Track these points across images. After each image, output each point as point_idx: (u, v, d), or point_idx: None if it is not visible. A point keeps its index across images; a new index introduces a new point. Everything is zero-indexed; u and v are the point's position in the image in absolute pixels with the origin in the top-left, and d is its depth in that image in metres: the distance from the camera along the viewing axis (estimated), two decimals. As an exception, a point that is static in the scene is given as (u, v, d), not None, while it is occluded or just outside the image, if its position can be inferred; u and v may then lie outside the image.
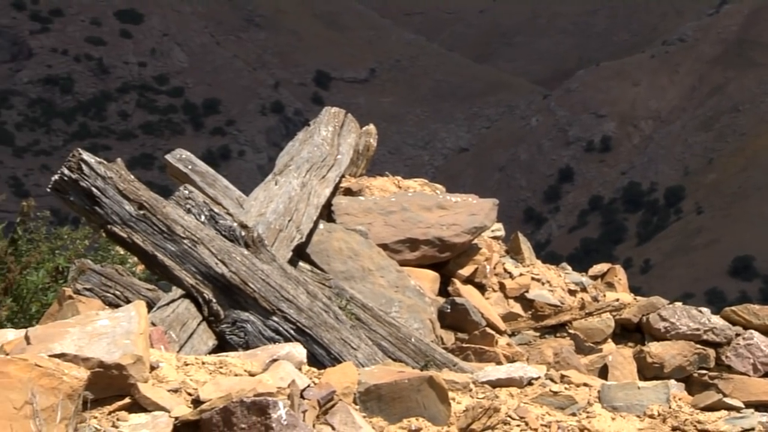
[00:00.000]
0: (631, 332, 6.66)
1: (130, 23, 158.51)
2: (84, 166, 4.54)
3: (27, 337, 3.59)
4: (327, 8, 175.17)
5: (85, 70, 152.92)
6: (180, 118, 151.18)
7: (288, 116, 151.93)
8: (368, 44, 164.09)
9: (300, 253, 6.00)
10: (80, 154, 4.56)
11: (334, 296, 5.53)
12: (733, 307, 6.74)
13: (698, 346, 6.41)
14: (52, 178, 4.56)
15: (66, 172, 4.54)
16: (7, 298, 5.24)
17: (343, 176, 7.00)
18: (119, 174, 4.61)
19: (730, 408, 4.36)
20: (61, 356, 3.44)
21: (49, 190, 4.60)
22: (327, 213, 6.70)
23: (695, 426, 4.19)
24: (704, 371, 6.35)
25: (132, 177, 4.68)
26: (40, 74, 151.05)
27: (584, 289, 6.95)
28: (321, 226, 6.40)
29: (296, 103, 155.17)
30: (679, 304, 6.66)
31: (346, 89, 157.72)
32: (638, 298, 6.84)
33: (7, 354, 3.48)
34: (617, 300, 6.72)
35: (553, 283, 6.91)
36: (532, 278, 6.90)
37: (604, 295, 6.89)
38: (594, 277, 7.17)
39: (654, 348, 6.35)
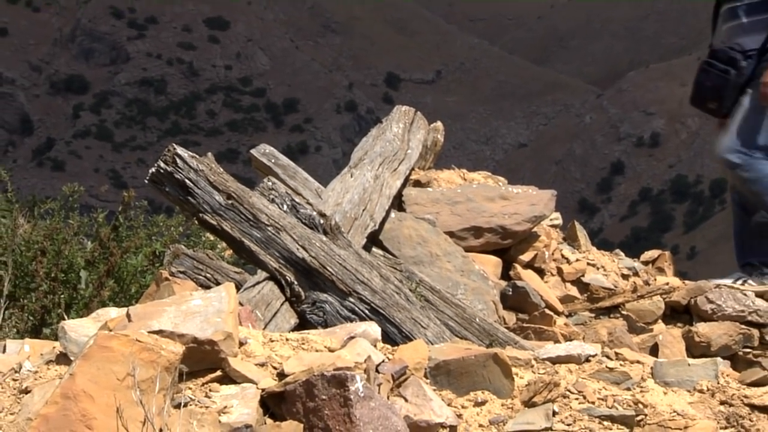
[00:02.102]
0: (679, 314, 6.58)
1: (218, 30, 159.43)
2: (178, 160, 4.56)
3: (128, 315, 3.62)
4: (397, 15, 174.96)
5: (177, 73, 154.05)
6: (262, 117, 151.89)
7: (361, 114, 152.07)
8: (435, 48, 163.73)
9: (373, 240, 5.99)
10: (175, 148, 4.58)
11: (405, 279, 5.51)
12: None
13: (743, 326, 6.33)
14: (150, 171, 4.59)
15: (162, 165, 4.56)
16: (109, 280, 5.30)
17: (412, 169, 6.98)
18: (210, 167, 4.63)
19: (774, 384, 4.31)
20: (159, 332, 3.47)
21: (146, 181, 4.63)
22: (398, 203, 6.69)
23: (742, 400, 4.14)
24: (749, 350, 6.27)
25: (221, 170, 4.69)
26: (137, 77, 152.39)
27: (636, 274, 6.89)
28: (392, 215, 6.39)
29: (368, 102, 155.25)
30: (725, 287, 6.57)
31: (415, 89, 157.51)
32: (687, 282, 6.76)
33: (111, 330, 3.51)
34: (667, 284, 6.64)
35: (607, 268, 6.85)
36: (588, 263, 6.84)
37: (655, 279, 6.82)
38: (645, 263, 7.10)
39: (701, 328, 6.28)
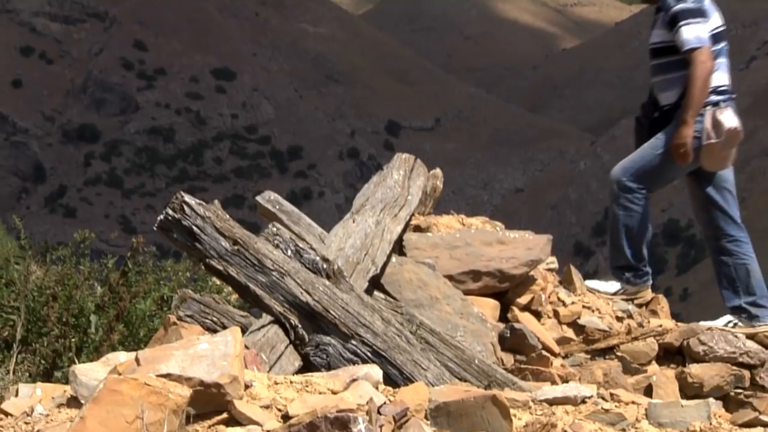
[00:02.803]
0: (673, 355, 6.57)
1: (225, 80, 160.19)
2: (186, 207, 4.56)
3: (137, 359, 3.62)
4: (397, 65, 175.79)
5: (185, 122, 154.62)
6: (267, 163, 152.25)
7: (363, 161, 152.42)
8: (434, 97, 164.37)
9: (375, 284, 5.98)
10: (182, 196, 4.58)
11: (406, 322, 5.49)
12: (765, 332, 6.67)
13: (734, 367, 6.32)
14: (158, 218, 4.59)
15: (170, 212, 4.56)
16: (119, 324, 5.28)
17: (413, 215, 6.98)
18: (216, 214, 4.63)
19: (765, 425, 4.29)
20: (167, 376, 3.46)
21: (155, 228, 4.63)
22: (398, 247, 6.68)
23: (734, 441, 4.13)
24: (740, 390, 6.25)
25: (227, 216, 4.69)
26: (146, 125, 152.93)
27: (630, 316, 6.88)
28: (393, 259, 6.38)
29: (370, 149, 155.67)
30: (716, 329, 6.58)
31: (414, 136, 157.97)
32: (679, 324, 6.75)
33: (120, 374, 3.50)
34: (660, 326, 6.64)
35: (602, 311, 6.84)
36: (583, 306, 6.83)
37: (649, 321, 6.81)
38: (639, 305, 7.09)
39: (694, 369, 6.26)
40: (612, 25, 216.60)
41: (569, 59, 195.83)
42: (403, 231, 6.64)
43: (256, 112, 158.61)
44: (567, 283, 7.07)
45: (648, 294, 7.17)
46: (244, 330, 4.77)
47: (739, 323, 6.84)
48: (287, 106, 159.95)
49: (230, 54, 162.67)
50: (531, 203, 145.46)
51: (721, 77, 6.97)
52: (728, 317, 6.91)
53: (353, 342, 4.70)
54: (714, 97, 6.91)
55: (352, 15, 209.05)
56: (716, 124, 6.87)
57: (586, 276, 7.48)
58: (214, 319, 5.16)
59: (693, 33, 6.80)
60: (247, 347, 4.22)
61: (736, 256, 6.99)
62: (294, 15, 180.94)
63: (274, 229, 5.08)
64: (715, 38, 6.93)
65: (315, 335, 4.71)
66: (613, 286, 7.09)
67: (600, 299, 6.97)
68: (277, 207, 7.03)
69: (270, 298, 4.68)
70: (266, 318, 4.80)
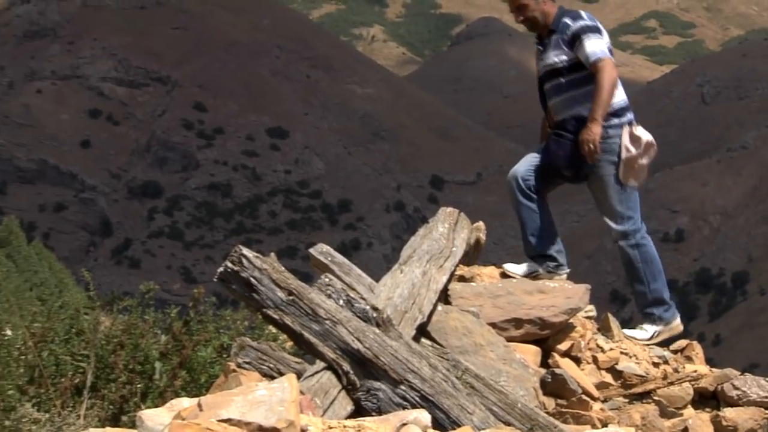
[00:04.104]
0: (707, 399, 6.48)
1: (278, 138, 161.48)
2: (244, 260, 4.58)
3: (199, 405, 3.62)
4: (440, 123, 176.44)
5: (242, 178, 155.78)
6: (318, 216, 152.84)
7: (408, 213, 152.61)
8: (475, 152, 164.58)
9: (422, 331, 5.96)
10: (241, 249, 4.60)
11: (452, 368, 5.46)
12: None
13: (767, 411, 6.23)
14: (218, 270, 4.60)
15: (229, 265, 4.58)
16: (182, 371, 5.29)
17: (457, 265, 6.97)
18: (272, 266, 4.64)
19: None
20: (228, 421, 3.46)
21: (215, 279, 4.65)
22: (444, 297, 6.67)
23: (768, 483, 4.06)
24: (773, 434, 6.15)
25: (282, 268, 4.70)
26: (205, 182, 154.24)
27: (666, 362, 6.79)
28: (439, 308, 6.36)
29: (415, 202, 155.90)
30: (749, 375, 6.49)
31: (457, 190, 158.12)
32: (714, 369, 6.66)
33: (184, 419, 3.51)
34: (695, 371, 6.55)
35: (639, 357, 6.76)
36: (621, 352, 6.76)
37: (684, 367, 6.73)
38: (674, 352, 7.01)
39: (728, 413, 6.17)
40: (644, 84, 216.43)
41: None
42: (449, 281, 6.63)
43: (308, 168, 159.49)
44: (605, 330, 7.01)
45: (680, 327, 7.15)
46: (298, 376, 4.76)
47: (541, 270, 7.07)
48: (337, 162, 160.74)
49: (283, 114, 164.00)
50: (568, 253, 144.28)
51: (622, 93, 7.03)
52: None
53: (402, 387, 4.68)
54: (629, 115, 6.99)
55: (397, 76, 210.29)
56: (634, 138, 6.94)
57: (623, 323, 7.42)
58: (271, 365, 5.16)
59: (597, 46, 6.86)
60: (302, 392, 4.21)
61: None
62: (343, 77, 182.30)
63: (327, 279, 5.08)
64: (610, 53, 6.98)
65: (366, 381, 4.69)
66: (647, 331, 7.07)
67: (637, 346, 6.90)
68: (329, 259, 7.04)
69: (323, 345, 4.67)
70: (320, 364, 4.79)
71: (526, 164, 7.30)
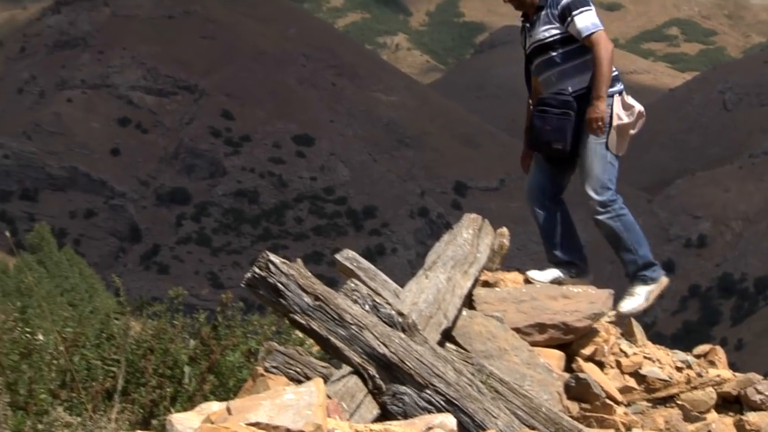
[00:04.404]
0: (730, 403, 6.44)
1: (304, 145, 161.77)
2: (271, 266, 4.59)
3: (228, 409, 3.63)
4: (464, 129, 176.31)
5: (269, 184, 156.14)
6: (344, 222, 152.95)
7: (432, 219, 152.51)
8: (498, 158, 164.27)
9: (447, 336, 5.95)
10: (268, 255, 4.61)
11: (477, 372, 5.45)
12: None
13: (790, 415, 6.19)
14: (246, 276, 4.61)
15: (257, 270, 4.59)
16: (210, 375, 5.30)
17: (481, 271, 6.96)
18: (299, 271, 4.65)
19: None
20: (256, 425, 3.46)
21: (242, 285, 4.66)
22: (468, 302, 6.66)
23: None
24: (796, 438, 6.11)
25: (309, 274, 4.71)
26: (232, 188, 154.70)
27: (689, 366, 6.76)
28: (464, 313, 6.36)
29: (439, 208, 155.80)
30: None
31: (481, 196, 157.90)
32: (736, 374, 6.62)
33: (213, 423, 3.52)
34: (718, 376, 6.51)
35: (662, 361, 6.73)
36: (644, 357, 6.73)
37: (707, 372, 6.69)
38: (697, 356, 6.97)
39: (751, 417, 6.13)
40: (666, 90, 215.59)
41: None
42: (473, 286, 6.62)
43: (334, 175, 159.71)
44: (628, 335, 6.98)
45: (666, 280, 7.18)
46: (325, 380, 4.76)
47: (564, 277, 7.06)
48: (362, 169, 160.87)
49: (309, 121, 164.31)
50: (591, 258, 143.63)
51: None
52: (557, 271, 7.02)
53: (428, 391, 4.67)
54: (618, 85, 6.96)
55: (421, 84, 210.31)
56: (627, 106, 6.92)
57: (645, 327, 7.38)
58: (298, 370, 5.16)
59: (589, 20, 6.81)
60: (329, 397, 4.21)
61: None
62: (368, 85, 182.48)
63: (353, 285, 5.09)
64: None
65: (392, 385, 4.68)
66: (640, 295, 7.00)
67: (660, 350, 6.87)
68: (355, 264, 7.04)
69: (349, 350, 4.67)
70: (346, 369, 4.79)
71: (536, 173, 7.29)
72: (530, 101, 7.26)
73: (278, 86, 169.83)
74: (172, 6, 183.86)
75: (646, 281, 7.05)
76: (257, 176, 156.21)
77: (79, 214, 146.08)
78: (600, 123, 6.81)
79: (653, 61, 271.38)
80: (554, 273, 7.06)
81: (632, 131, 7.02)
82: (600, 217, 7.05)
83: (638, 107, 6.97)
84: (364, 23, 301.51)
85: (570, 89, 6.89)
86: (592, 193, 7.03)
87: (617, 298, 6.96)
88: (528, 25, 7.08)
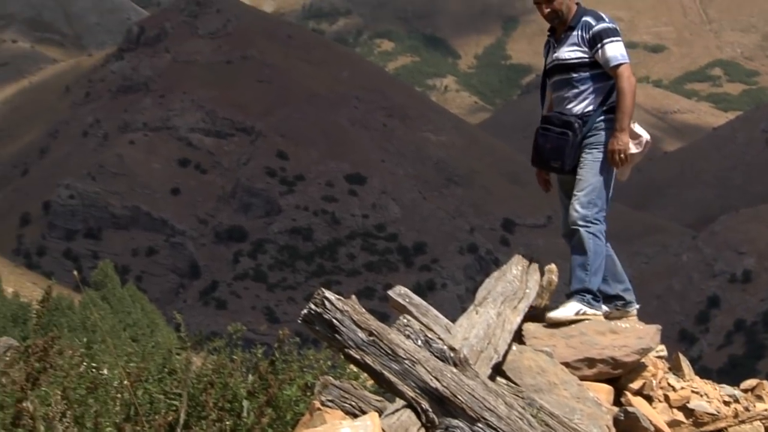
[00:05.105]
0: (778, 437, 6.33)
1: (356, 184, 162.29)
2: (326, 302, 4.60)
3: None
4: (511, 168, 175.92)
5: (322, 222, 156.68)
6: (395, 258, 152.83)
7: (481, 255, 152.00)
8: (545, 196, 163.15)
9: (497, 370, 5.91)
10: (323, 292, 4.62)
11: (527, 406, 5.40)
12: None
13: (838, 449, 6.06)
14: (302, 312, 4.62)
15: (313, 307, 4.60)
16: (268, 409, 5.30)
17: (530, 307, 6.92)
18: (353, 308, 4.66)
19: None
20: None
21: (299, 321, 4.67)
22: (518, 337, 6.62)
23: None
24: None
25: (363, 310, 4.71)
26: (287, 226, 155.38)
27: (737, 401, 6.66)
28: (514, 347, 6.32)
29: (487, 244, 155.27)
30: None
31: (528, 233, 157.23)
32: (784, 408, 6.51)
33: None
34: (766, 410, 6.41)
35: (710, 395, 6.63)
36: (692, 391, 6.64)
37: (754, 406, 6.58)
38: (744, 390, 6.87)
39: (799, 451, 6.01)
40: (710, 129, 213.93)
41: (670, 161, 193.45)
42: (522, 322, 6.59)
43: (385, 213, 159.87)
44: (676, 369, 6.90)
45: (633, 316, 7.04)
46: (379, 413, 4.75)
47: (610, 311, 6.92)
48: (412, 207, 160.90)
49: (361, 161, 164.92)
50: (637, 293, 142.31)
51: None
52: (577, 304, 6.79)
53: (479, 425, 4.64)
54: None
55: (469, 124, 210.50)
56: (635, 136, 6.86)
57: (692, 361, 7.28)
58: (353, 403, 5.15)
59: (618, 50, 6.78)
60: (383, 430, 4.20)
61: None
62: (417, 125, 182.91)
63: (405, 320, 5.08)
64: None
65: (444, 419, 4.66)
66: (569, 309, 6.84)
67: (708, 384, 6.78)
68: (407, 300, 7.03)
69: (403, 384, 4.65)
70: (399, 402, 4.77)
71: (565, 210, 7.21)
72: (543, 116, 7.26)
73: (331, 127, 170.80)
74: (229, 51, 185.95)
75: (583, 301, 6.89)
76: (311, 214, 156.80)
77: (141, 252, 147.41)
78: (622, 155, 6.77)
79: (697, 101, 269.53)
80: (575, 306, 6.89)
81: (639, 158, 6.99)
82: (579, 228, 6.91)
83: (645, 137, 6.93)
84: (414, 66, 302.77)
85: (577, 110, 6.88)
86: (577, 205, 6.93)
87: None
88: (553, 40, 7.06)
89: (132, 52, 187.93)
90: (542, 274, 7.47)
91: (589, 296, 6.89)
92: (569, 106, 6.91)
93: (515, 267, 6.96)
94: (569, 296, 6.96)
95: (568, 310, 6.81)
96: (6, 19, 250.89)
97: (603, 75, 6.84)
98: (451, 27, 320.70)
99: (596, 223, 6.92)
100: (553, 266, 7.72)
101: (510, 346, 6.13)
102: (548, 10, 6.91)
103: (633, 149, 6.86)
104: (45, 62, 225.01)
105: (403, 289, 7.21)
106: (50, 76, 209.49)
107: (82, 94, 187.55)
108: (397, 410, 4.71)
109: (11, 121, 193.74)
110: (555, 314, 6.78)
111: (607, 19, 6.90)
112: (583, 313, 6.81)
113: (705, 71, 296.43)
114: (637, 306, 7.16)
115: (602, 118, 6.87)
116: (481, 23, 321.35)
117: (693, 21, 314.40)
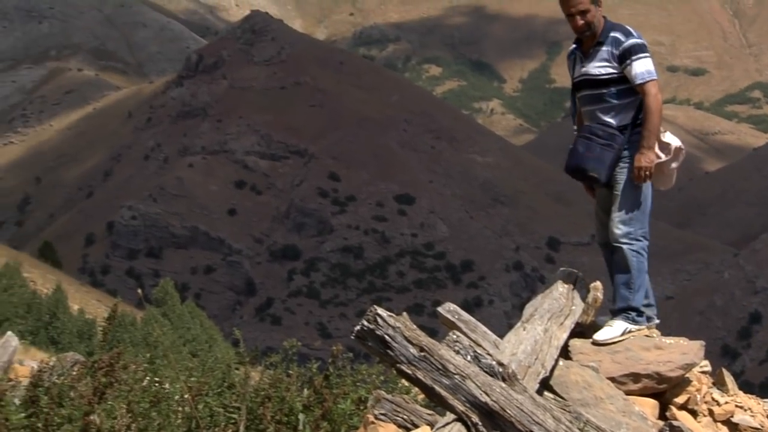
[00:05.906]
0: (822, 451, 6.21)
1: (405, 204, 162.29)
2: (379, 319, 4.60)
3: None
4: (555, 188, 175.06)
5: (372, 241, 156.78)
6: (443, 276, 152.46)
7: (527, 273, 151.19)
8: (589, 215, 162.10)
9: (545, 385, 5.88)
10: (376, 309, 4.63)
11: (574, 419, 5.36)
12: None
13: None
14: (355, 328, 4.63)
15: (365, 323, 4.61)
16: (323, 422, 5.31)
17: (577, 323, 6.87)
18: (405, 324, 4.65)
19: None
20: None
21: (352, 337, 4.68)
22: (564, 353, 6.57)
23: None
24: None
25: (414, 326, 4.70)
26: (339, 245, 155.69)
27: (781, 415, 6.55)
28: (560, 363, 6.27)
29: (533, 262, 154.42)
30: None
31: (573, 251, 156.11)
32: (828, 423, 6.39)
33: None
34: (809, 424, 6.29)
35: (753, 410, 6.54)
36: (736, 405, 6.55)
37: (798, 420, 6.48)
38: (787, 405, 6.76)
39: (844, 465, 5.89)
40: (750, 150, 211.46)
41: (712, 181, 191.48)
42: (569, 338, 6.54)
43: (433, 232, 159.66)
44: (720, 384, 6.80)
45: (645, 332, 6.82)
46: (430, 427, 4.74)
47: (630, 327, 6.72)
48: (459, 226, 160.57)
49: (410, 182, 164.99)
50: (680, 310, 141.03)
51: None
52: (625, 324, 6.68)
53: (528, 438, 4.61)
54: None
55: (514, 146, 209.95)
56: (663, 145, 6.73)
57: (735, 376, 7.18)
58: (405, 417, 5.14)
59: (645, 67, 6.64)
60: (435, 443, 4.18)
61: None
62: (464, 147, 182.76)
63: (455, 336, 5.07)
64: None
65: (494, 432, 4.64)
66: (616, 328, 6.72)
67: (751, 399, 6.68)
68: (456, 317, 7.01)
69: (453, 398, 4.64)
70: (450, 416, 4.75)
71: (600, 227, 7.11)
72: (575, 127, 7.15)
73: (381, 149, 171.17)
74: (283, 77, 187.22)
75: (628, 320, 6.78)
76: (362, 233, 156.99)
77: (200, 270, 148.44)
78: (648, 172, 6.66)
79: (737, 122, 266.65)
80: (622, 326, 6.78)
81: (674, 165, 6.84)
82: (622, 246, 6.78)
83: (675, 143, 6.78)
84: (461, 90, 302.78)
85: (615, 123, 6.76)
86: (619, 222, 6.80)
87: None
88: (580, 53, 6.94)
89: (191, 79, 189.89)
90: (587, 291, 7.42)
91: (633, 314, 6.82)
92: (604, 118, 6.79)
93: (561, 284, 6.92)
94: (614, 314, 6.88)
95: (615, 330, 6.73)
96: (72, 48, 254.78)
97: (633, 90, 6.73)
98: (496, 52, 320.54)
99: (640, 240, 6.83)
100: (598, 283, 7.65)
101: (557, 361, 6.09)
102: (582, 22, 6.76)
103: (662, 157, 6.75)
104: (108, 89, 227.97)
105: (452, 306, 7.18)
106: (113, 103, 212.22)
107: (143, 119, 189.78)
108: (448, 423, 4.69)
109: (77, 146, 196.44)
110: (602, 337, 6.70)
111: (635, 34, 6.76)
112: (629, 332, 6.74)
113: (745, 93, 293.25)
114: (657, 321, 7.04)
115: (636, 131, 6.78)
116: (525, 48, 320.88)
117: (733, 45, 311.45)
